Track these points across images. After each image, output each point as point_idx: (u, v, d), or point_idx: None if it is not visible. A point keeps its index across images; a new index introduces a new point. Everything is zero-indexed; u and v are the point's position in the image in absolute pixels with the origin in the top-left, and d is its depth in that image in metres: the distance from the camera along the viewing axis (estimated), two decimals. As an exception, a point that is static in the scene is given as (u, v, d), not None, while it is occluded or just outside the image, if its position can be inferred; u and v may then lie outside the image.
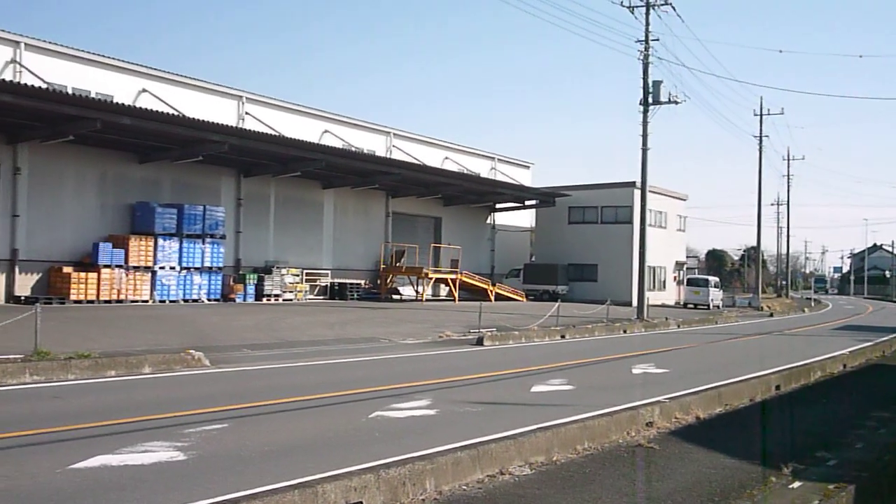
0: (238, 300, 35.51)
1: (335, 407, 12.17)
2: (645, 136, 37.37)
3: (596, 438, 10.10)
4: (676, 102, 37.38)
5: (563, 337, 26.86)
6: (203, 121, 30.75)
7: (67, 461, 8.13)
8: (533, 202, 55.08)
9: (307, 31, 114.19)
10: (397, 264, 44.74)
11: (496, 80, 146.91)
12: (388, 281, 44.56)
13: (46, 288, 30.14)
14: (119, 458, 8.34)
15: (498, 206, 55.01)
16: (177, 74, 36.25)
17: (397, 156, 46.08)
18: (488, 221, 55.38)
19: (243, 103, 38.86)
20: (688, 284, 57.64)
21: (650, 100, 37.17)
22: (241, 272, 36.92)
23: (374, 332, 24.65)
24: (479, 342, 23.16)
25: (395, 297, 44.43)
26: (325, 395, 13.12)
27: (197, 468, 8.16)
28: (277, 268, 38.13)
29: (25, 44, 30.51)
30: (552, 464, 9.10)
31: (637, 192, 41.76)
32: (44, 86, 28.01)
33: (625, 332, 30.80)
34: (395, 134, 48.05)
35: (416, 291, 45.03)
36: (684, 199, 62.14)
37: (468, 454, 8.35)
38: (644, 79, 37.26)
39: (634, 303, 39.32)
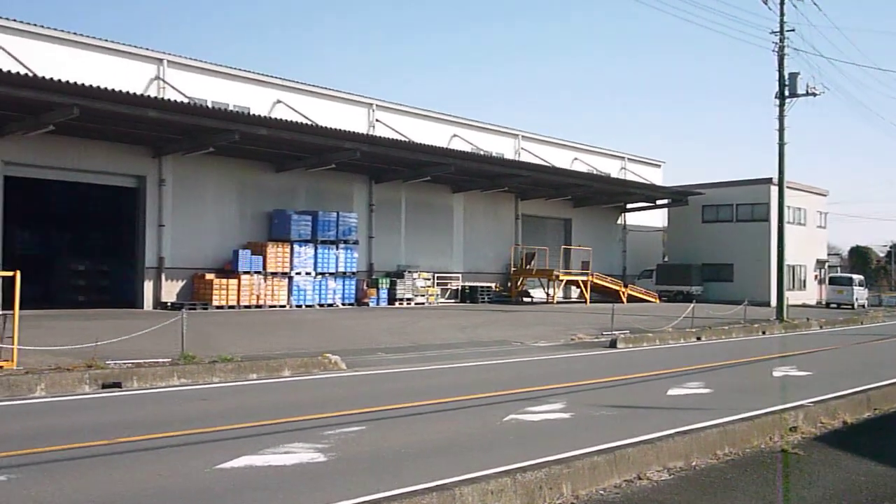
0: (371, 304, 36.15)
1: (469, 410, 12.24)
2: (781, 130, 36.13)
3: (737, 443, 9.83)
4: (815, 94, 36.01)
5: (698, 339, 26.27)
6: (335, 129, 31.46)
7: (215, 461, 8.45)
8: (664, 201, 54.07)
9: (433, 36, 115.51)
10: (527, 267, 44.66)
11: (624, 79, 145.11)
12: (519, 284, 44.54)
13: (190, 294, 31.40)
14: (263, 459, 8.61)
15: (629, 206, 54.24)
16: (309, 85, 37.24)
17: (526, 158, 46.05)
18: (619, 222, 54.66)
19: (373, 110, 39.57)
20: (830, 283, 55.40)
21: (786, 93, 35.93)
22: (373, 277, 37.59)
23: (505, 335, 24.68)
24: (613, 344, 22.90)
25: (525, 299, 44.38)
26: (459, 397, 13.21)
27: (337, 469, 8.35)
28: (409, 272, 38.64)
29: (168, 61, 31.93)
30: (691, 469, 8.90)
31: (774, 189, 40.47)
32: (186, 100, 29.25)
33: (763, 333, 29.88)
34: (523, 136, 48.02)
35: (547, 294, 44.87)
36: (825, 195, 59.80)
37: (605, 458, 8.27)
38: (780, 71, 36.02)
39: (773, 303, 38.10)
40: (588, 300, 44.44)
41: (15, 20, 28.24)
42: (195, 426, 10.36)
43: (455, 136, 43.47)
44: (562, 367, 18.51)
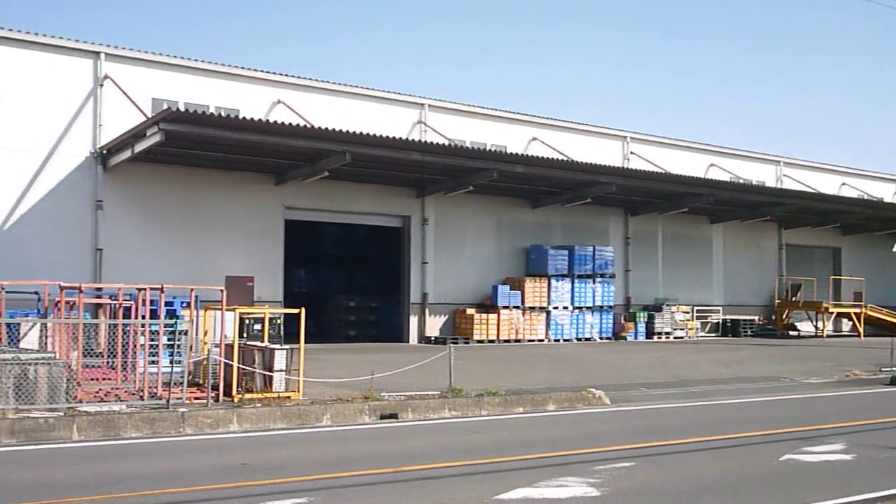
0: (629, 338, 35.85)
1: (741, 448, 11.90)
2: None
3: None
4: None
5: None
6: (590, 164, 31.63)
7: (492, 492, 8.76)
8: (949, 226, 49.75)
9: (687, 67, 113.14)
10: (793, 299, 42.64)
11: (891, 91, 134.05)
12: (784, 316, 42.57)
13: (452, 328, 32.52)
14: (538, 492, 8.82)
15: (906, 232, 50.39)
16: (563, 121, 37.69)
17: (788, 185, 44.08)
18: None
19: (627, 143, 39.42)
20: None
21: None
22: (630, 310, 37.29)
23: (772, 371, 23.68)
24: (894, 382, 21.39)
25: (791, 333, 42.27)
26: (729, 435, 12.86)
27: (611, 504, 8.42)
28: (667, 305, 38.01)
29: (429, 105, 33.45)
30: None
31: None
32: (446, 142, 30.49)
33: None
34: (785, 162, 46.04)
35: (815, 327, 42.54)
36: None
37: (898, 504, 7.83)
38: None
39: None
40: (861, 334, 41.72)
41: (291, 76, 30.66)
42: (470, 457, 10.77)
43: (712, 165, 42.41)
44: (837, 404, 17.53)
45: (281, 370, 15.12)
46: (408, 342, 31.86)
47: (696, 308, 40.03)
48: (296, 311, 16.15)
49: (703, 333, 40.02)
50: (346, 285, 39.31)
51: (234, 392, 14.41)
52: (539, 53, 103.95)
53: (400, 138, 27.00)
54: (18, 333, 16.17)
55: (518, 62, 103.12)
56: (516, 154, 30.80)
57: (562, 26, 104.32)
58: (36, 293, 20.42)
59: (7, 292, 18.40)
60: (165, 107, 23.59)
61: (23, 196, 25.63)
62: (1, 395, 12.45)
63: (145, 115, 24.61)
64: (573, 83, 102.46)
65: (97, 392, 14.61)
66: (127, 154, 25.26)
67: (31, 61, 26.05)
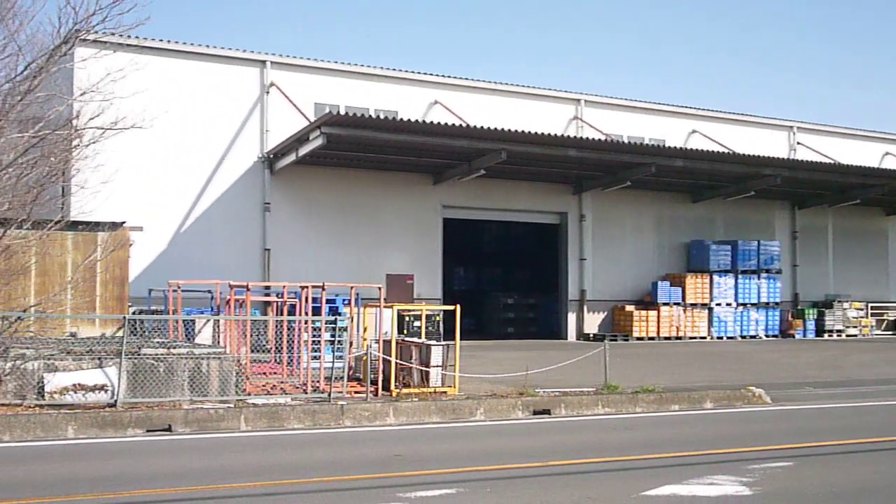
0: (797, 336, 34.58)
1: (909, 451, 11.39)
2: None
3: None
4: None
5: None
6: (753, 156, 30.65)
7: (640, 488, 8.74)
8: None
9: (863, 48, 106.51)
10: (980, 294, 39.96)
11: None
12: (970, 313, 39.98)
13: (611, 326, 32.27)
14: (687, 489, 8.75)
15: None
16: (724, 112, 36.67)
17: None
18: None
19: (794, 133, 37.98)
20: None
21: None
22: (799, 307, 35.95)
23: (953, 371, 22.37)
24: None
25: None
26: (892, 437, 12.31)
27: (762, 504, 8.27)
28: (839, 301, 36.43)
29: (585, 100, 33.25)
30: None
31: None
32: (602, 137, 30.25)
33: None
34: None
35: None
36: None
37: None
38: None
39: None
40: None
41: (447, 76, 31.09)
42: (619, 454, 10.76)
43: (887, 153, 40.30)
44: None
45: (437, 366, 15.46)
46: (566, 339, 31.80)
47: (870, 305, 38.15)
48: (451, 307, 16.49)
49: (878, 332, 38.11)
50: (504, 283, 39.55)
51: (392, 386, 14.85)
52: (698, 45, 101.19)
53: (555, 135, 26.98)
54: (194, 330, 17.23)
55: (677, 55, 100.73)
56: (674, 147, 30.27)
57: (721, 13, 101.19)
58: (209, 292, 21.62)
59: (183, 291, 19.64)
60: (327, 111, 24.46)
61: (197, 200, 27.11)
62: (177, 387, 13.31)
63: (308, 120, 25.54)
64: (733, 74, 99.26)
65: (264, 385, 15.38)
66: (292, 157, 26.34)
67: (202, 72, 27.47)
